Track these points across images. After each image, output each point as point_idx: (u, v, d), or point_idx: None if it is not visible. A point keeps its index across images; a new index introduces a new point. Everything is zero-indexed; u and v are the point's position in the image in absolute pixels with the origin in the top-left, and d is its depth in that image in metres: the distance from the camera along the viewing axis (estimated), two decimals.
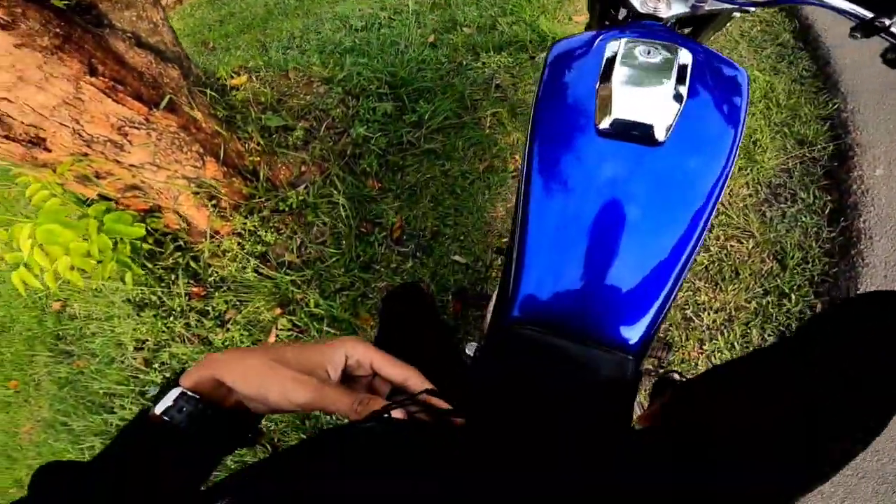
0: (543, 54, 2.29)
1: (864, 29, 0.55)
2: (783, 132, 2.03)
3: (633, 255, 0.50)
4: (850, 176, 1.91)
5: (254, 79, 2.04)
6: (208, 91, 1.49)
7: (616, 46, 0.54)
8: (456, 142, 1.90)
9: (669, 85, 0.51)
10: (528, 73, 2.25)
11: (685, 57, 0.53)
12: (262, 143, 1.56)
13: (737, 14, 0.64)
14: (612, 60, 0.52)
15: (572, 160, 0.53)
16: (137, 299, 1.58)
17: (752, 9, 0.62)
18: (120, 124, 1.19)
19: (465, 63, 2.35)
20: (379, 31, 2.88)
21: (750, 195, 1.75)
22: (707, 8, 0.61)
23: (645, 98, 0.51)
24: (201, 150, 1.37)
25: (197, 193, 1.42)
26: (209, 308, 1.54)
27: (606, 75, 0.52)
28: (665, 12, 0.61)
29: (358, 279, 1.53)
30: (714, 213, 0.52)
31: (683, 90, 0.51)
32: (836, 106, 2.22)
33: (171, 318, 1.54)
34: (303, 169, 1.66)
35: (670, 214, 0.51)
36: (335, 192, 1.62)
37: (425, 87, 2.14)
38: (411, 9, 3.04)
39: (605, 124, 0.50)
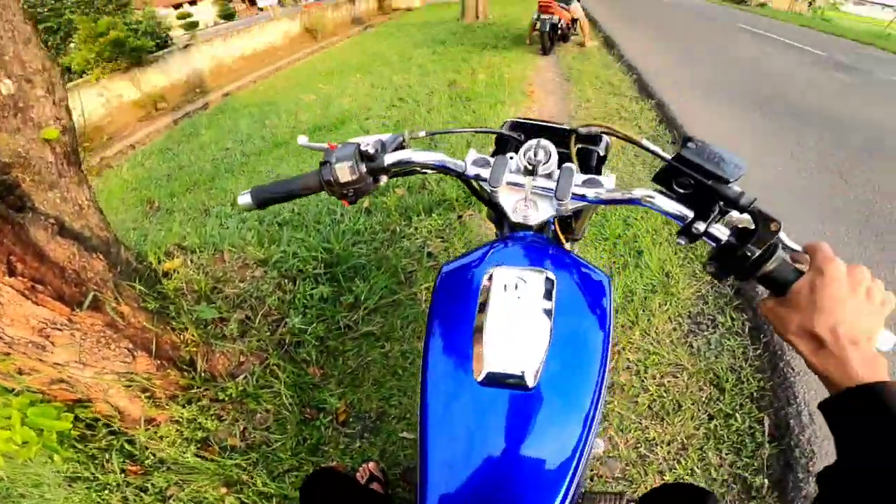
0: (469, 212, 2.51)
1: (686, 233, 0.60)
2: (689, 258, 2.24)
3: (528, 466, 0.56)
4: (758, 292, 2.04)
5: (188, 262, 1.98)
6: (137, 284, 1.45)
7: (490, 281, 0.61)
8: (393, 321, 1.91)
9: (535, 327, 0.57)
10: (458, 234, 2.37)
11: (551, 279, 0.61)
12: (196, 335, 1.54)
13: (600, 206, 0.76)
14: (485, 302, 0.62)
15: (458, 406, 0.58)
16: (69, 473, 1.49)
17: (617, 201, 0.72)
18: (41, 326, 1.14)
19: (398, 230, 2.42)
20: (317, 198, 2.88)
21: (674, 329, 1.87)
22: (569, 209, 0.69)
23: (513, 350, 0.56)
24: (131, 346, 1.33)
25: (129, 386, 1.37)
26: (149, 485, 1.47)
27: (480, 327, 0.60)
28: (534, 220, 0.69)
29: (306, 461, 1.52)
30: (600, 411, 0.60)
31: (548, 327, 0.58)
32: None
33: (107, 492, 1.45)
34: (241, 359, 1.65)
35: (558, 429, 0.55)
36: (276, 381, 1.64)
37: (360, 264, 2.17)
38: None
39: (481, 377, 0.57)
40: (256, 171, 3.83)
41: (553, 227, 0.76)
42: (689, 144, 0.59)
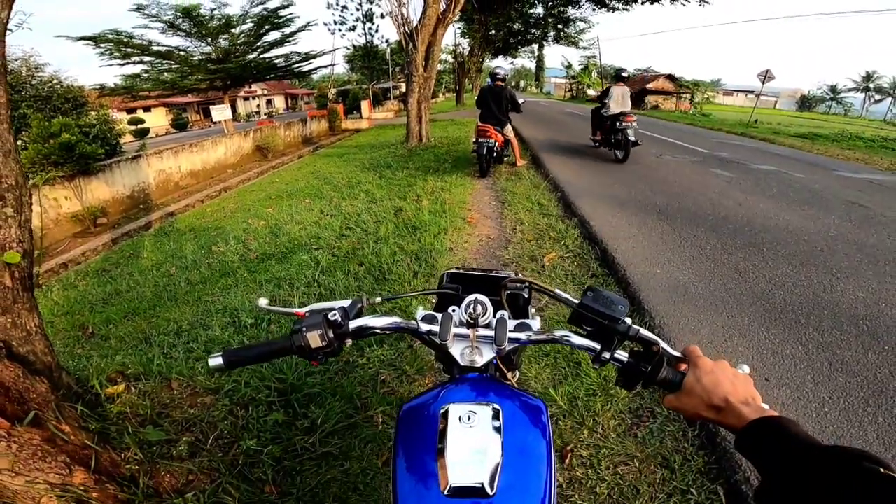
0: (417, 343, 2.65)
1: (597, 360, 0.76)
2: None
3: None
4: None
5: (132, 389, 1.93)
6: (79, 405, 1.44)
7: (446, 414, 0.70)
8: (352, 441, 1.94)
9: (489, 446, 0.66)
10: (409, 362, 2.47)
11: (498, 409, 0.71)
12: (140, 455, 1.50)
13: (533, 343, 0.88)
14: (444, 430, 0.69)
15: None
16: None
17: (543, 341, 0.86)
18: None
19: (351, 360, 2.49)
20: (268, 328, 2.94)
21: (618, 424, 2.06)
22: (507, 349, 0.81)
23: (472, 466, 0.65)
24: (68, 460, 1.32)
25: (62, 496, 1.29)
26: None
27: (441, 450, 0.67)
28: (480, 361, 0.82)
29: None
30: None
31: (499, 445, 0.67)
32: (648, 326, 2.91)
33: None
34: (191, 477, 1.59)
35: None
36: (230, 498, 1.57)
37: (315, 392, 2.20)
38: (297, 302, 3.27)
39: (447, 490, 0.63)
40: (202, 301, 3.74)
41: (496, 363, 0.87)
42: (588, 294, 0.79)
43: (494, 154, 6.80)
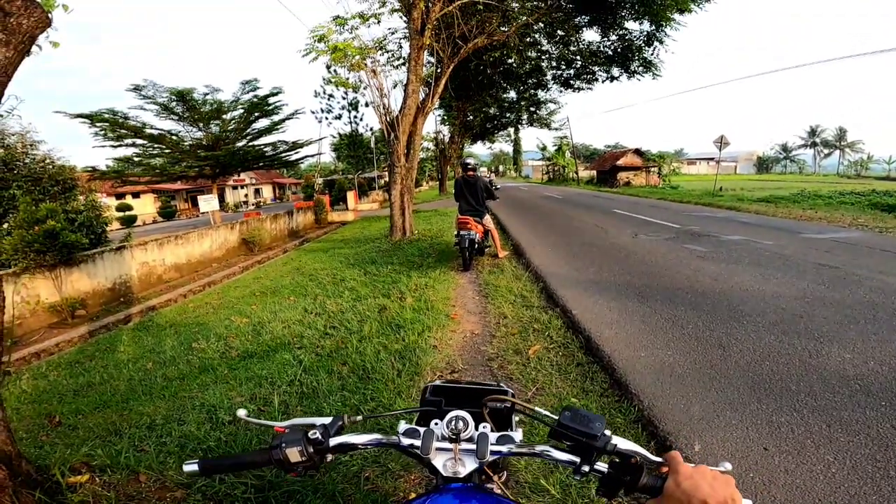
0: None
1: (577, 472, 0.77)
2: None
3: None
4: (682, 455, 2.34)
5: (97, 479, 1.85)
6: (37, 492, 1.44)
7: None
8: None
9: None
10: (394, 459, 2.39)
11: None
12: None
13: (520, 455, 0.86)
14: None
15: None
16: None
17: (524, 454, 0.85)
18: None
19: (333, 458, 2.41)
20: (246, 426, 2.83)
21: None
22: (489, 459, 0.81)
23: None
24: None
25: None
26: None
27: None
28: (464, 471, 0.81)
29: None
30: None
31: None
32: (637, 408, 2.87)
33: None
34: None
35: None
36: None
37: (295, 490, 2.12)
38: (278, 401, 3.21)
39: None
40: (178, 397, 3.69)
41: (483, 469, 0.87)
42: (565, 413, 0.80)
43: (476, 245, 6.88)
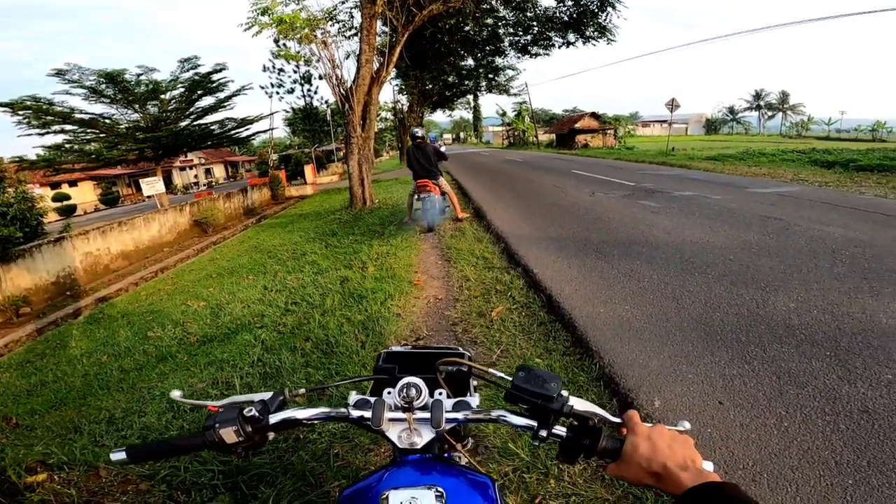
0: None
1: (536, 438, 0.75)
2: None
3: None
4: (642, 413, 2.35)
5: (56, 478, 1.83)
6: None
7: (387, 501, 0.67)
8: None
9: None
10: (364, 433, 2.34)
11: (442, 492, 0.69)
12: None
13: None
14: None
15: None
16: None
17: (481, 421, 0.82)
18: None
19: (301, 437, 2.38)
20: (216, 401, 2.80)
21: (584, 469, 2.06)
22: (446, 429, 0.78)
23: None
24: None
25: None
26: None
27: None
28: (420, 442, 0.78)
29: None
30: None
31: None
32: (599, 366, 2.95)
33: None
34: None
35: None
36: None
37: (264, 473, 2.09)
38: (240, 383, 3.15)
39: None
40: (137, 389, 3.58)
41: (443, 437, 0.84)
42: (520, 374, 0.77)
43: (435, 206, 7.20)
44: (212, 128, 26.30)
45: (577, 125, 40.40)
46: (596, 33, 15.75)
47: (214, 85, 24.75)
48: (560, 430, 0.76)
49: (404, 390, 0.81)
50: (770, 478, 1.98)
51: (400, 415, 0.80)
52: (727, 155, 19.46)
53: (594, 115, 41.22)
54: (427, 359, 1.00)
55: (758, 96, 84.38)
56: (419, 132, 7.88)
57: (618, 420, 0.76)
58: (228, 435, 0.75)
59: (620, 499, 1.90)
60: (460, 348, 1.07)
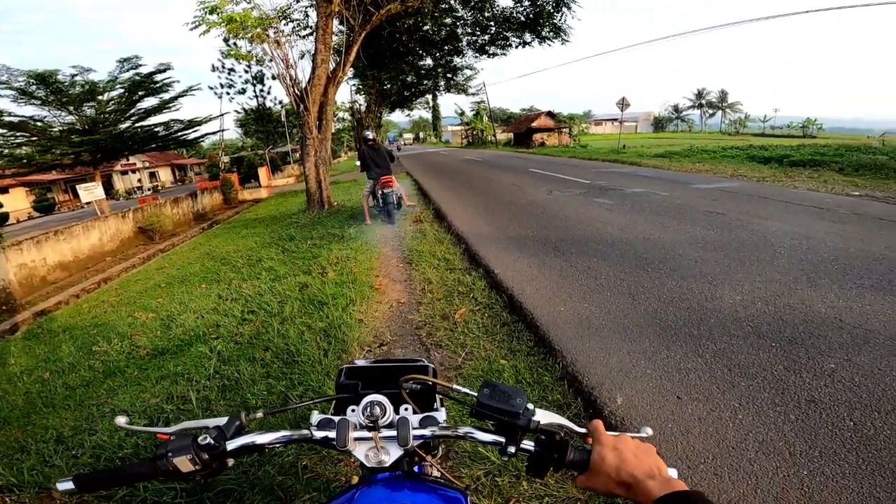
0: None
1: (504, 453, 0.74)
2: (543, 405, 2.56)
3: None
4: (604, 414, 2.48)
5: (7, 500, 1.80)
6: None
7: None
8: None
9: None
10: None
11: None
12: None
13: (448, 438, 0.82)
14: None
15: None
16: None
17: (448, 437, 0.81)
18: None
19: (267, 449, 2.30)
20: (166, 427, 2.65)
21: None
22: (415, 446, 0.76)
23: None
24: None
25: None
26: None
27: None
28: (389, 460, 0.76)
29: None
30: None
31: None
32: (562, 365, 3.00)
33: None
34: None
35: None
36: None
37: (230, 489, 2.02)
38: (197, 398, 3.01)
39: None
40: (85, 406, 3.40)
41: (414, 451, 0.82)
42: (484, 390, 0.76)
43: (395, 199, 7.96)
44: (156, 130, 25.03)
45: (534, 124, 41.14)
46: (551, 33, 16.21)
47: (158, 85, 23.61)
48: (528, 444, 0.75)
49: (368, 409, 0.78)
50: (730, 472, 2.04)
51: (365, 434, 0.77)
52: (673, 152, 20.45)
53: (550, 114, 42.12)
54: (390, 373, 0.97)
55: (699, 95, 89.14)
56: (370, 135, 8.61)
57: (584, 430, 0.77)
58: (183, 464, 0.71)
59: (592, 498, 1.94)
60: (424, 360, 1.05)
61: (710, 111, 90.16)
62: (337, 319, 3.95)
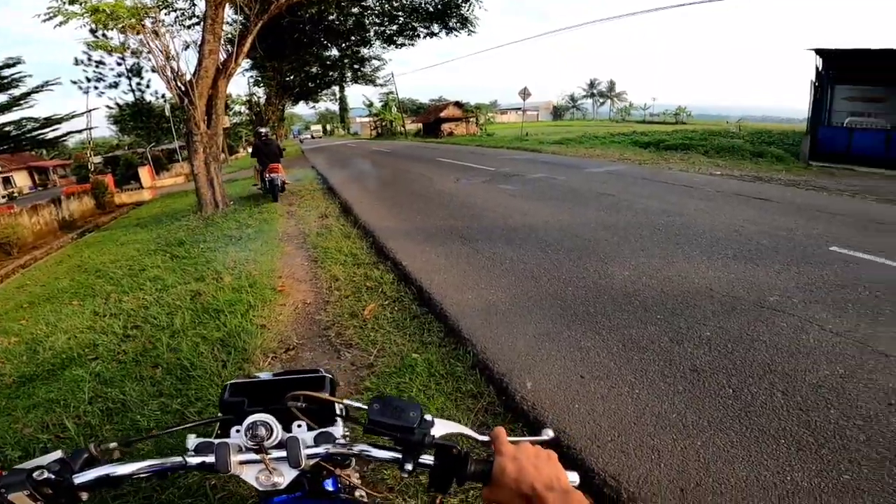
0: None
1: (402, 469, 0.69)
2: (455, 399, 2.59)
3: None
4: (516, 400, 2.54)
5: None
6: None
7: None
8: None
9: None
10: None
11: None
12: None
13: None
14: None
15: None
16: None
17: (344, 455, 0.75)
18: None
19: (167, 473, 2.09)
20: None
21: None
22: (309, 465, 0.71)
23: None
24: None
25: None
26: None
27: None
28: (284, 482, 0.70)
29: None
30: None
31: None
32: (472, 353, 3.05)
33: None
34: None
35: None
36: None
37: None
38: (76, 424, 2.72)
39: None
40: None
41: (319, 465, 0.76)
42: (374, 405, 0.70)
43: (280, 183, 9.93)
44: (6, 129, 21.33)
45: (443, 114, 41.51)
46: (458, 24, 16.48)
47: (6, 81, 20.19)
48: (427, 458, 0.71)
49: (251, 430, 0.71)
50: (635, 448, 2.15)
51: (252, 456, 0.71)
52: (569, 139, 21.91)
53: (458, 104, 42.76)
54: (282, 386, 0.89)
55: (592, 85, 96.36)
56: (263, 130, 11.02)
57: (486, 438, 0.72)
58: (21, 500, 0.61)
59: None
60: (322, 370, 0.98)
61: (601, 100, 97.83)
62: (236, 327, 3.68)
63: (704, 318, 3.30)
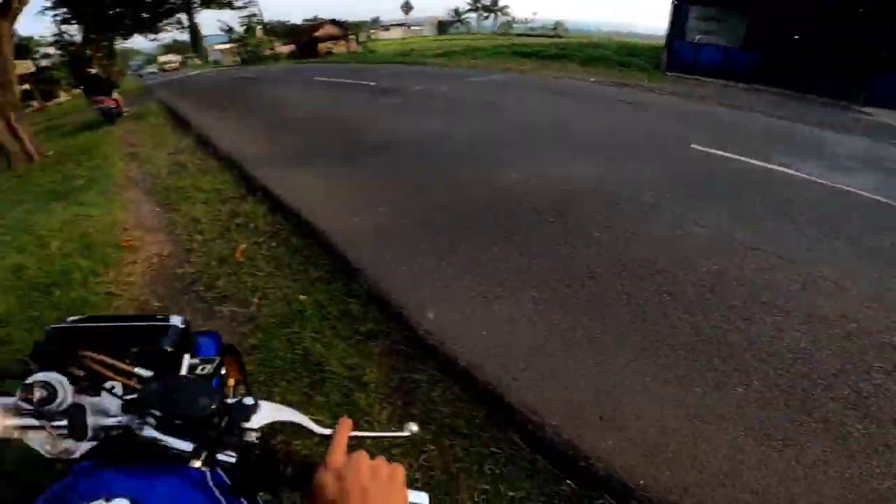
0: None
1: (186, 465, 0.55)
2: (356, 343, 2.33)
3: None
4: (419, 335, 2.33)
5: None
6: None
7: None
8: None
9: None
10: None
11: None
12: None
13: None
14: None
15: None
16: None
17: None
18: None
19: None
20: None
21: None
22: (98, 437, 0.59)
23: None
24: None
25: None
26: None
27: None
28: (78, 451, 0.58)
29: None
30: None
31: None
32: (366, 287, 2.77)
33: None
34: None
35: None
36: None
37: None
38: None
39: None
40: None
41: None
42: (151, 385, 0.57)
43: (114, 110, 10.01)
44: None
45: (318, 33, 38.66)
46: None
47: None
48: (229, 456, 0.57)
49: (25, 392, 0.57)
50: (550, 375, 2.04)
51: (33, 422, 0.59)
52: (454, 51, 21.25)
53: (334, 22, 40.02)
54: (120, 334, 0.77)
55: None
56: (93, 70, 12.98)
57: (328, 431, 0.57)
58: None
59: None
60: (173, 316, 0.85)
61: (485, 14, 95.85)
62: (77, 300, 3.01)
63: (591, 218, 3.40)
